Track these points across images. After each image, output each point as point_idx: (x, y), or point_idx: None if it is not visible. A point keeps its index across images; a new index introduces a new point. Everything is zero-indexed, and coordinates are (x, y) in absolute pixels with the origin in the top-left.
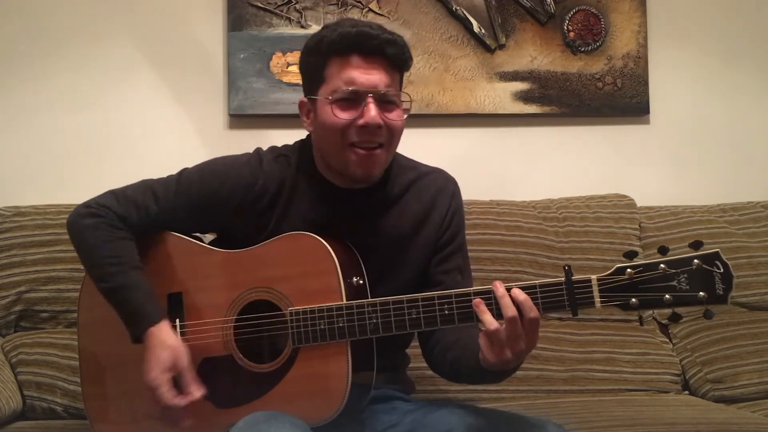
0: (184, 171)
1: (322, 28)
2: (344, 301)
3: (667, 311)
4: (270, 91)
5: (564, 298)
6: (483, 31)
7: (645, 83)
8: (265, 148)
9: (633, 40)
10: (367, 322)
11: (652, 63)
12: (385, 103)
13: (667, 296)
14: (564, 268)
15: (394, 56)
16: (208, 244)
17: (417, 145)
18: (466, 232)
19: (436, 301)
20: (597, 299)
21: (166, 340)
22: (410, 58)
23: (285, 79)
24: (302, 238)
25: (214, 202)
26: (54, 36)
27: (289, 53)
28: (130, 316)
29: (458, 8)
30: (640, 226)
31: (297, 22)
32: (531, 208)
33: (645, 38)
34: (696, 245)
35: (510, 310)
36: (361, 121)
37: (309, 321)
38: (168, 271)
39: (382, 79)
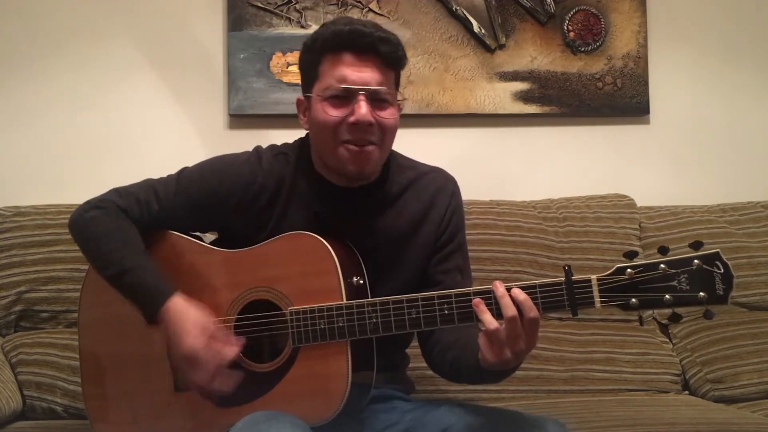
0: (184, 170)
1: (320, 26)
2: (344, 301)
3: (668, 311)
4: (270, 91)
5: (564, 298)
6: (483, 31)
7: (645, 83)
8: (265, 147)
9: (633, 40)
10: (367, 321)
11: (652, 63)
12: (378, 101)
13: (667, 296)
14: (564, 268)
15: (387, 54)
16: (209, 243)
17: (417, 145)
18: (466, 232)
19: (436, 301)
20: (597, 299)
21: (188, 308)
22: (404, 56)
23: (285, 79)
24: (303, 237)
25: (213, 201)
26: (54, 36)
27: (289, 53)
28: (143, 296)
29: (458, 8)
30: (640, 226)
31: (297, 22)
32: (531, 208)
33: (645, 38)
34: (696, 245)
35: (510, 310)
36: (351, 119)
37: (309, 321)
38: (168, 271)
39: (375, 76)
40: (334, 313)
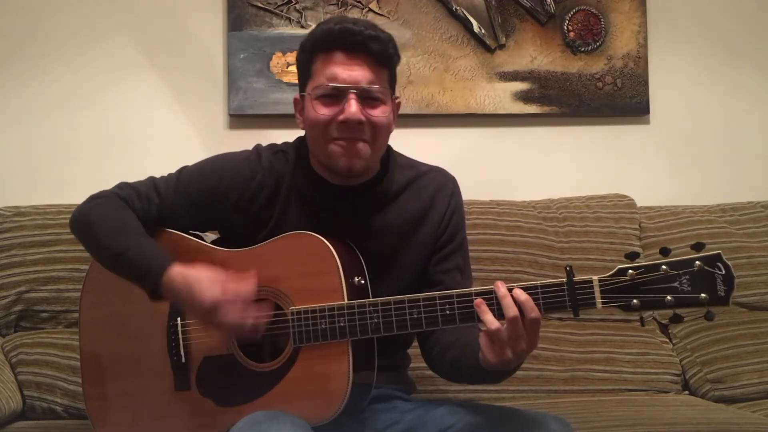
0: (184, 169)
1: (315, 26)
2: (345, 301)
3: (669, 312)
4: (270, 91)
5: (565, 298)
6: (483, 31)
7: (645, 83)
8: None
9: (633, 40)
10: (368, 321)
11: (652, 63)
12: (369, 99)
13: (668, 297)
14: (565, 268)
15: (378, 52)
16: (210, 243)
17: (417, 145)
18: (467, 231)
19: (438, 301)
20: (598, 300)
21: (189, 269)
22: (396, 54)
23: (285, 79)
24: (304, 237)
25: (213, 199)
26: (54, 36)
27: (289, 53)
28: (143, 270)
29: (458, 8)
30: (640, 226)
31: (297, 22)
32: (531, 208)
33: (645, 38)
34: (698, 247)
35: (511, 310)
36: (341, 117)
37: (310, 320)
38: None
39: (365, 75)
40: (336, 313)
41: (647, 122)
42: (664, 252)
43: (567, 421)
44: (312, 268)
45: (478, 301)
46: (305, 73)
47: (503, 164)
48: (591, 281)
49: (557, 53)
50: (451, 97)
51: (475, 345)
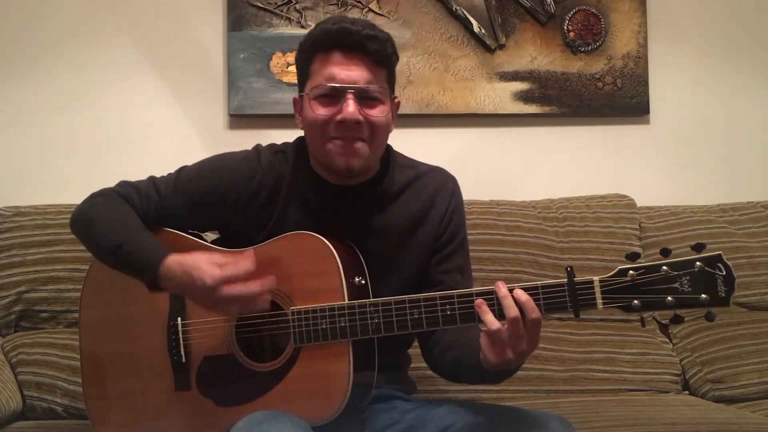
0: (184, 169)
1: (314, 26)
2: (346, 301)
3: (669, 313)
4: (270, 91)
5: (566, 299)
6: (483, 31)
7: (645, 83)
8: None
9: (633, 40)
10: (369, 321)
11: (652, 63)
12: (367, 99)
13: (669, 298)
14: (566, 269)
15: (375, 52)
16: (210, 243)
17: (417, 145)
18: (467, 231)
19: (438, 302)
20: (599, 301)
21: (185, 256)
22: (394, 54)
23: (285, 79)
24: (305, 237)
25: (213, 198)
26: (54, 36)
27: (289, 53)
28: (141, 262)
29: (458, 8)
30: (640, 226)
31: (297, 22)
32: (531, 208)
33: (645, 38)
34: (698, 247)
35: (512, 311)
36: (339, 117)
37: (311, 320)
38: None
39: (363, 75)
40: (336, 313)
41: (647, 122)
42: (665, 253)
43: (568, 420)
44: (312, 268)
45: (479, 301)
46: (304, 73)
47: (503, 164)
48: (592, 282)
49: (557, 53)
50: (451, 97)
51: (475, 345)
